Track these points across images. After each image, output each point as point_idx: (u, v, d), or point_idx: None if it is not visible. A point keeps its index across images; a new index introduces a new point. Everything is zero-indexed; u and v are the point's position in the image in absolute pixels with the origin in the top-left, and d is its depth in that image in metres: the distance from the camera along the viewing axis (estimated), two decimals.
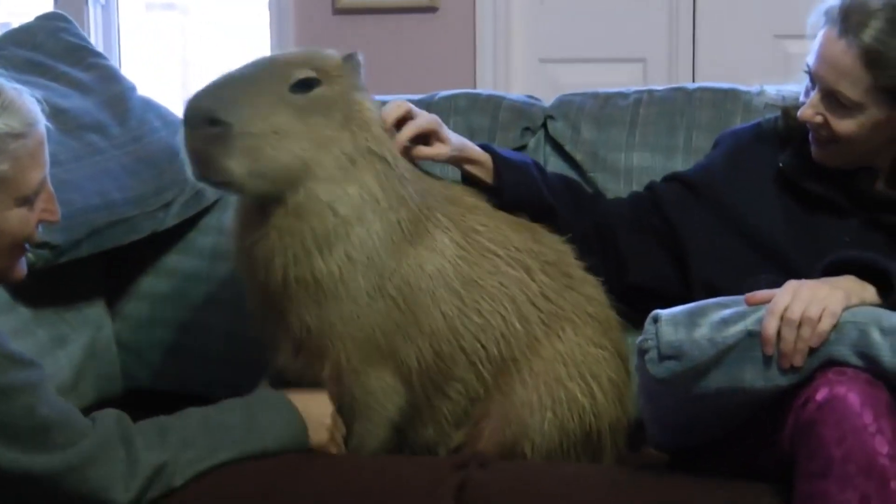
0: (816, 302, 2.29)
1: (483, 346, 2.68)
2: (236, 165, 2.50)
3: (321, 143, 2.59)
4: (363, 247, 2.60)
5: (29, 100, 2.35)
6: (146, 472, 2.35)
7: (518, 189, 2.77)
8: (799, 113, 2.68)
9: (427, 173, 2.79)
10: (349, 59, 2.68)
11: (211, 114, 2.49)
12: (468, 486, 2.42)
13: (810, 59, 2.67)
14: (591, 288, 2.82)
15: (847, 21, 2.60)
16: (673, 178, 2.92)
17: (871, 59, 2.58)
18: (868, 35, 2.58)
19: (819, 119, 2.65)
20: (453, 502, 2.39)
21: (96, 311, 3.14)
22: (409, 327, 2.65)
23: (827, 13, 2.65)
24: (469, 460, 2.53)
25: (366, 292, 2.61)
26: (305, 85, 2.60)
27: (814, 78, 2.66)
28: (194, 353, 3.11)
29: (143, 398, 2.72)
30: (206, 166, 2.52)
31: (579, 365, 2.71)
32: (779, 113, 2.86)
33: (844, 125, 2.63)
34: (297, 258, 2.59)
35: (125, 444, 2.35)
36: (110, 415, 2.39)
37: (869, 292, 2.36)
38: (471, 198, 2.79)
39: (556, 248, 2.82)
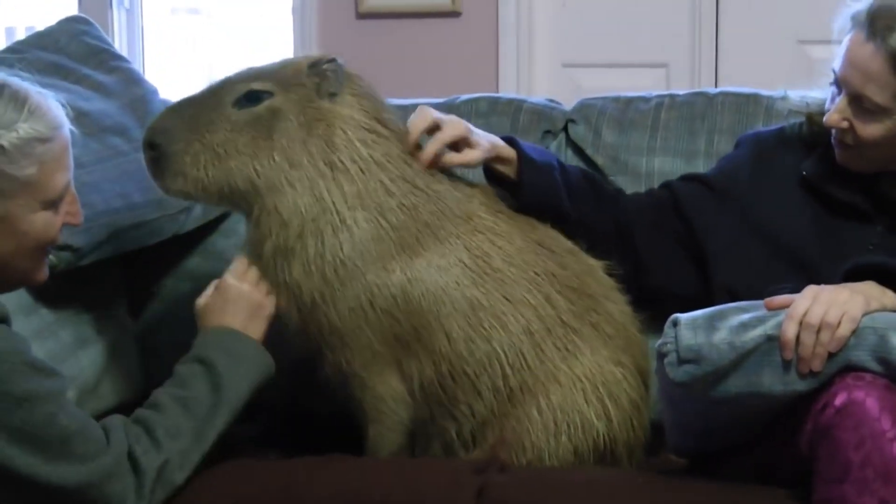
0: (836, 307, 2.29)
1: (489, 375, 2.67)
2: (171, 183, 2.65)
3: (272, 154, 2.63)
4: (322, 258, 2.62)
5: (54, 104, 2.36)
6: (151, 478, 2.35)
7: (536, 191, 2.77)
8: (825, 118, 2.67)
9: (452, 183, 2.77)
10: (314, 65, 2.68)
11: (148, 138, 2.66)
12: (487, 490, 2.43)
13: (836, 64, 2.66)
14: (613, 305, 2.80)
15: (874, 25, 2.59)
16: (693, 179, 2.91)
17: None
18: (895, 39, 2.58)
19: (845, 124, 2.65)
20: (474, 501, 2.39)
21: (118, 313, 3.15)
22: (411, 342, 2.66)
23: (854, 18, 2.64)
24: (489, 465, 2.54)
25: (344, 302, 2.63)
26: (253, 98, 2.64)
27: (840, 83, 2.65)
28: None
29: None
30: (156, 183, 2.68)
31: (597, 388, 2.70)
32: (802, 118, 2.86)
33: (870, 130, 2.63)
34: (266, 268, 2.65)
35: (131, 458, 2.35)
36: (118, 427, 2.38)
37: (889, 297, 2.37)
38: (489, 216, 2.75)
39: (580, 269, 2.79)
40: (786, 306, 2.33)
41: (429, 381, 2.68)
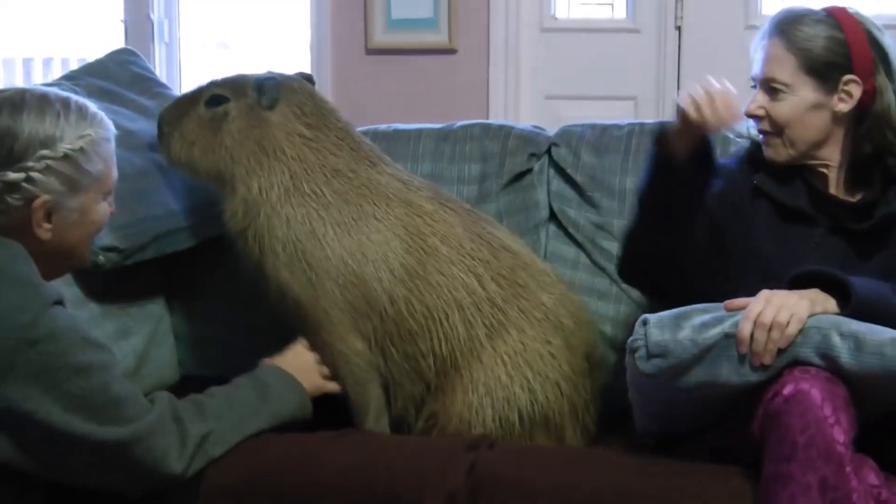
0: (786, 309, 2.30)
1: (428, 334, 2.71)
2: (165, 155, 2.82)
3: (228, 152, 2.75)
4: (265, 240, 2.71)
5: (100, 111, 2.40)
6: (194, 442, 2.37)
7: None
8: (744, 111, 2.69)
9: (400, 178, 2.84)
10: (259, 85, 2.77)
11: (158, 120, 2.85)
12: (478, 465, 2.42)
13: (752, 71, 2.74)
14: (547, 296, 2.82)
15: (777, 27, 2.69)
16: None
17: (794, 44, 2.66)
18: (793, 31, 2.66)
19: (761, 112, 2.70)
20: (465, 478, 2.38)
21: (156, 307, 3.14)
22: (362, 306, 2.70)
23: (762, 32, 2.73)
24: (479, 442, 2.53)
25: (297, 276, 2.71)
26: (216, 101, 2.77)
27: (756, 82, 2.73)
28: (239, 345, 3.11)
29: (195, 384, 2.72)
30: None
31: (519, 364, 2.72)
32: (748, 142, 2.88)
33: (781, 109, 2.67)
34: (240, 247, 2.76)
35: (176, 420, 2.36)
36: (163, 396, 2.40)
37: (831, 303, 2.37)
38: (431, 206, 2.81)
39: (514, 263, 2.82)
40: (742, 308, 2.34)
41: (382, 339, 2.73)
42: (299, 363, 2.69)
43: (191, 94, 2.84)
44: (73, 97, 2.36)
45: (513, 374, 2.71)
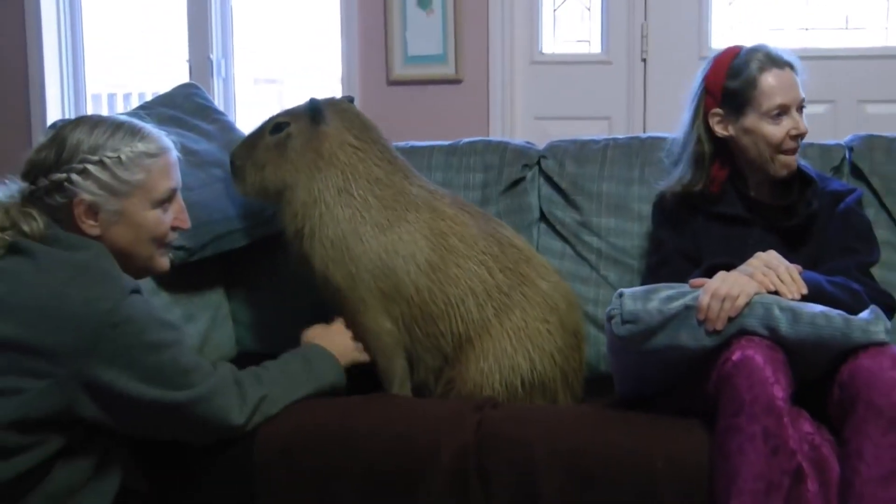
0: (737, 286, 2.32)
1: (448, 318, 2.71)
2: (240, 187, 2.81)
3: (292, 164, 2.73)
4: (316, 236, 2.70)
5: (164, 137, 2.38)
6: (254, 402, 2.39)
7: None
8: (795, 132, 2.67)
9: (427, 188, 2.82)
10: (312, 107, 2.77)
11: (230, 158, 2.85)
12: (485, 420, 2.43)
13: (775, 102, 2.66)
14: (545, 283, 2.82)
15: (777, 60, 2.68)
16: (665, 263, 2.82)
17: (797, 71, 2.70)
18: (792, 61, 2.70)
19: (804, 128, 2.69)
20: (474, 429, 2.40)
21: (217, 296, 3.14)
22: (392, 293, 2.70)
23: (762, 64, 2.68)
24: (485, 402, 2.54)
25: (340, 268, 2.70)
26: (278, 128, 2.76)
27: (787, 107, 2.68)
28: (286, 327, 3.06)
29: (250, 358, 2.72)
30: (234, 186, 2.85)
31: (522, 339, 2.73)
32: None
33: (804, 123, 2.69)
34: (291, 245, 2.76)
35: (237, 383, 2.38)
36: (225, 364, 2.42)
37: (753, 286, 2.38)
38: (452, 211, 2.80)
39: (518, 257, 2.82)
40: (702, 286, 2.36)
41: (409, 321, 2.72)
42: (338, 339, 2.69)
43: (255, 131, 2.84)
44: (132, 119, 2.36)
45: (516, 346, 2.72)
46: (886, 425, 2.19)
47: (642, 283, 2.74)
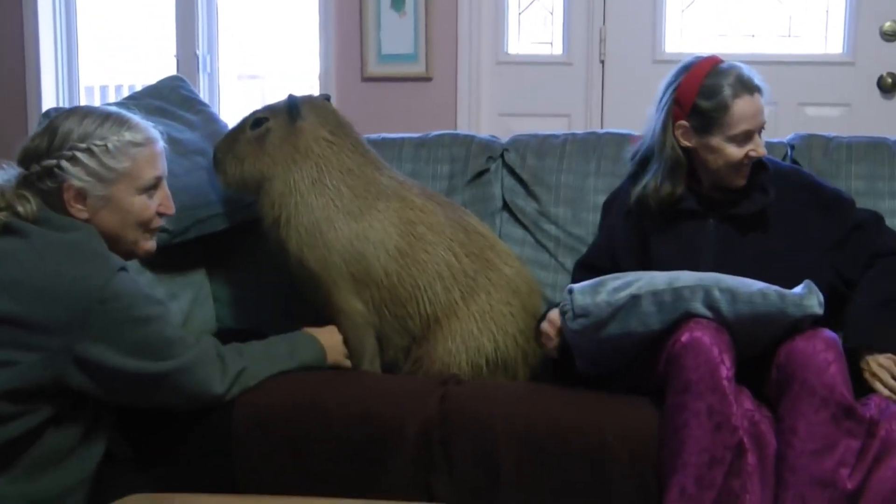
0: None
1: (416, 301, 2.69)
2: (221, 178, 2.79)
3: (270, 157, 2.71)
4: (292, 224, 2.68)
5: (153, 128, 2.36)
6: (233, 373, 2.37)
7: None
8: (754, 154, 2.61)
9: (397, 179, 2.80)
10: (289, 104, 2.74)
11: (213, 152, 2.84)
12: (448, 395, 2.42)
13: (741, 127, 2.58)
14: (508, 268, 2.80)
15: (755, 84, 2.60)
16: (586, 265, 2.82)
17: (761, 94, 2.62)
18: (757, 84, 2.61)
19: (763, 152, 2.62)
20: (438, 404, 2.39)
21: (198, 276, 3.10)
22: (363, 277, 2.67)
23: (733, 88, 2.58)
24: (449, 379, 2.52)
25: (314, 252, 2.67)
26: (258, 123, 2.74)
27: (752, 132, 2.59)
28: (264, 305, 3.09)
29: (229, 335, 2.70)
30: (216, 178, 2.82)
31: (486, 320, 2.71)
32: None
33: (762, 145, 2.62)
34: (268, 234, 2.73)
35: (219, 356, 2.36)
36: (208, 338, 2.42)
37: None
38: (420, 201, 2.78)
39: (483, 244, 2.80)
40: None
41: (378, 304, 2.70)
42: (330, 339, 2.65)
43: (236, 126, 2.82)
44: (121, 111, 2.34)
45: (482, 328, 2.70)
46: (819, 403, 2.19)
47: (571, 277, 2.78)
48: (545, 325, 2.51)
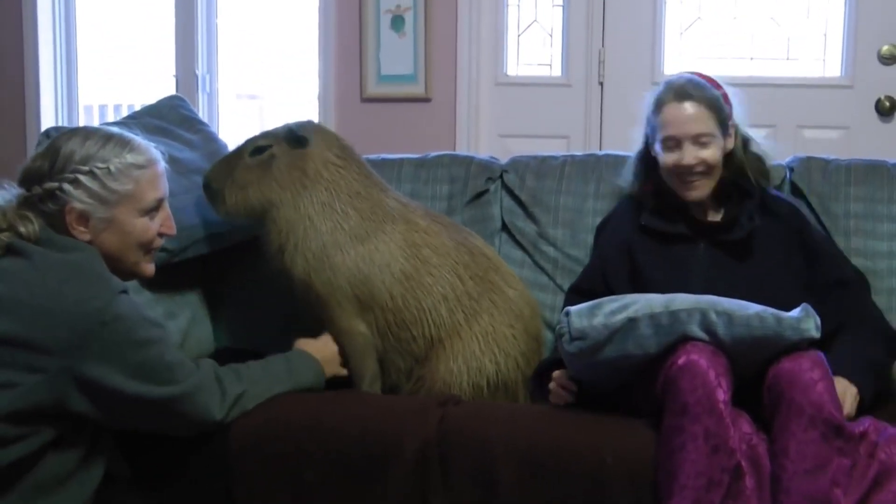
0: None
1: (420, 324, 2.69)
2: (220, 209, 2.74)
3: (278, 183, 2.69)
4: (299, 249, 2.67)
5: (153, 148, 2.36)
6: (232, 398, 2.37)
7: None
8: (674, 165, 2.67)
9: (401, 202, 2.81)
10: (289, 131, 2.73)
11: (205, 182, 2.79)
12: (447, 416, 2.42)
13: (665, 133, 2.68)
14: (511, 290, 2.82)
15: (680, 92, 2.67)
16: (579, 290, 2.83)
17: (708, 103, 2.66)
18: (701, 94, 2.67)
19: (695, 160, 2.65)
20: (437, 425, 2.39)
21: (196, 295, 3.11)
22: (367, 300, 2.68)
23: (660, 99, 2.70)
24: (448, 399, 2.53)
25: (320, 276, 2.66)
26: (260, 150, 2.72)
27: (678, 139, 2.67)
28: (261, 324, 3.10)
29: (226, 354, 2.70)
30: (213, 209, 2.78)
31: (489, 342, 2.72)
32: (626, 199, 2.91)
33: (710, 153, 2.66)
34: (273, 260, 2.71)
35: (218, 380, 2.36)
36: (207, 362, 2.40)
37: None
38: (425, 223, 2.79)
39: (487, 265, 2.81)
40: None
41: (382, 326, 2.70)
42: (325, 351, 2.66)
43: (231, 155, 2.81)
44: (122, 131, 2.34)
45: (484, 349, 2.71)
46: (807, 422, 2.20)
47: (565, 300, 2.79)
48: (555, 388, 2.53)
